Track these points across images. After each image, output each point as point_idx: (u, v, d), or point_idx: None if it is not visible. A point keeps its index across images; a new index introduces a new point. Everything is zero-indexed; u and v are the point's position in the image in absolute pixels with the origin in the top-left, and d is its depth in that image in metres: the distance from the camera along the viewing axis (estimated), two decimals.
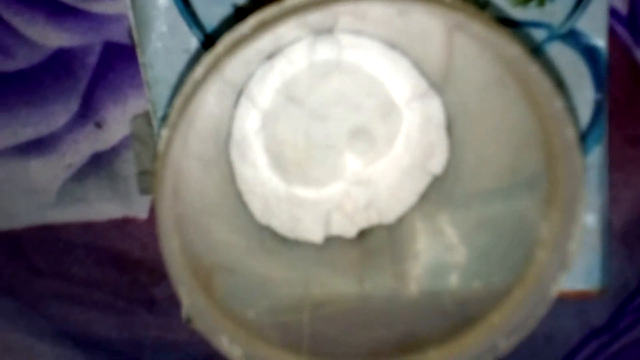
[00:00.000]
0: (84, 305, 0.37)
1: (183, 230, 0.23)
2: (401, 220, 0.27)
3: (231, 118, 0.26)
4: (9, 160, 0.34)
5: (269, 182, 0.27)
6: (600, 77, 0.26)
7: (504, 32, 0.22)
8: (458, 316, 0.24)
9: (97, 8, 0.33)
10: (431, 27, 0.24)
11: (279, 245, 0.27)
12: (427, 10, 0.22)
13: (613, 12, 0.32)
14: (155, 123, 0.27)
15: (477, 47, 0.23)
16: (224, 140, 0.26)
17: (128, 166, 0.34)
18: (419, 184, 0.27)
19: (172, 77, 0.26)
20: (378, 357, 0.24)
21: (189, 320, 0.27)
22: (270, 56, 0.26)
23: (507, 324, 0.23)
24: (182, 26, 0.26)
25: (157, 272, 0.36)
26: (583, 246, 0.27)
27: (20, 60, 0.33)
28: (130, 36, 0.32)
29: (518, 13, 0.26)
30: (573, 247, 0.22)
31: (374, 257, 0.27)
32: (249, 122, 0.27)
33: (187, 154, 0.23)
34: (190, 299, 0.22)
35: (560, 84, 0.26)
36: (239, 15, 0.26)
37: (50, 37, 0.33)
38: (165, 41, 0.26)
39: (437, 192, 0.27)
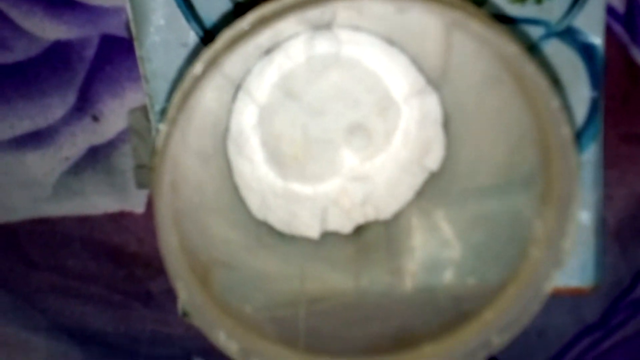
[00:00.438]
0: (80, 298, 0.37)
1: (181, 225, 0.23)
2: (397, 216, 0.27)
3: (229, 113, 0.26)
4: (6, 153, 0.34)
5: (266, 177, 0.27)
6: (597, 75, 0.26)
7: (502, 30, 0.22)
8: (452, 312, 0.24)
9: (94, 1, 0.32)
10: (429, 25, 0.24)
11: (276, 241, 0.27)
12: (426, 8, 0.22)
13: (610, 10, 0.32)
14: (152, 117, 0.27)
15: (474, 45, 0.23)
16: (222, 135, 0.26)
17: (125, 160, 0.34)
18: (416, 180, 0.27)
19: (170, 70, 0.26)
20: (373, 351, 0.24)
21: (185, 315, 0.27)
22: (269, 51, 0.26)
23: (501, 320, 0.23)
24: (180, 20, 0.26)
25: (153, 266, 0.36)
26: (577, 243, 0.27)
27: (17, 53, 0.33)
28: (128, 29, 0.32)
29: (515, 10, 0.26)
30: (567, 244, 0.22)
31: (370, 252, 0.27)
32: (246, 117, 0.27)
33: (185, 149, 0.23)
34: (187, 294, 0.22)
35: (556, 81, 0.26)
36: (238, 10, 0.26)
37: (48, 29, 0.33)
38: (163, 34, 0.26)
39: (433, 189, 0.27)
